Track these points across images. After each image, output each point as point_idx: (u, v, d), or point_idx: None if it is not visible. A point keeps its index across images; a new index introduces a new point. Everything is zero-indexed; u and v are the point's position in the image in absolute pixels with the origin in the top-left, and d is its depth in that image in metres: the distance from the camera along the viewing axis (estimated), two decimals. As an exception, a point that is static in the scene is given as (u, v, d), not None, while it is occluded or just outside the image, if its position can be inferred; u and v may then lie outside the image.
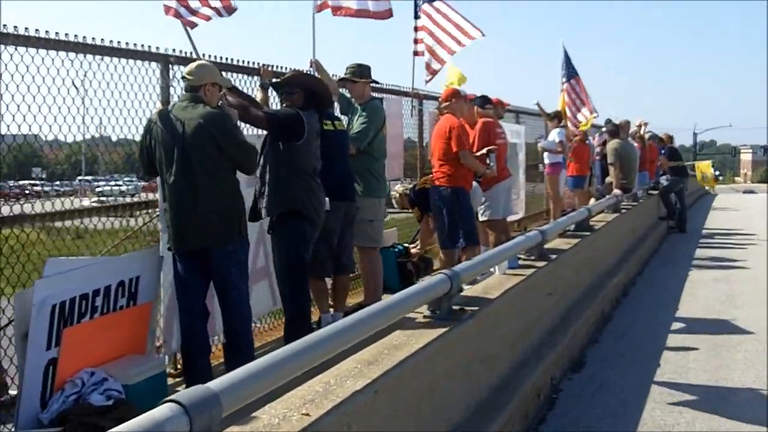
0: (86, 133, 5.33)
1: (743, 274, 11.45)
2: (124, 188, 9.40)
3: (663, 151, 17.53)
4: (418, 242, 9.47)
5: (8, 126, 4.77)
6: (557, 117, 14.74)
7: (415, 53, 9.73)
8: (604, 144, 14.77)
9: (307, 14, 7.63)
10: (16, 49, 4.59)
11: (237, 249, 4.89)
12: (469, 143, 8.21)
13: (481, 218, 9.11)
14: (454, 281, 4.64)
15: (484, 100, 9.39)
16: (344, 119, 7.29)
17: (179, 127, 4.72)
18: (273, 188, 5.51)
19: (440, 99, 8.10)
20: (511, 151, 11.65)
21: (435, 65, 9.69)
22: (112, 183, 9.56)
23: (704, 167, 18.01)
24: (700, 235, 16.91)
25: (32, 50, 4.73)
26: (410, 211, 9.39)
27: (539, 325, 6.39)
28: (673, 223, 17.24)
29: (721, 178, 73.69)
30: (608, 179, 13.02)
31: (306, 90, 5.71)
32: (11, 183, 7.25)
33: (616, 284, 9.42)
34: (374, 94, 8.63)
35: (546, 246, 7.56)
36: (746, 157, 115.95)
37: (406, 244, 9.27)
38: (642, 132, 16.47)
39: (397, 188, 9.07)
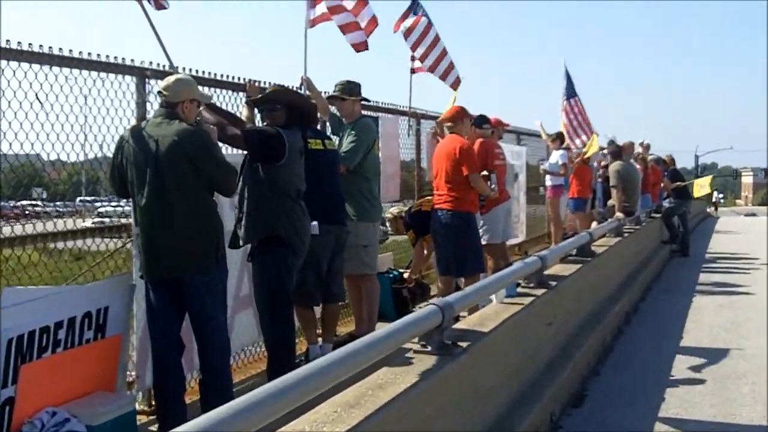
0: (89, 152, 5.09)
1: (748, 300, 11.12)
2: (127, 209, 9.15)
3: (666, 174, 17.25)
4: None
5: (10, 144, 4.61)
6: (559, 138, 14.47)
7: (412, 71, 9.45)
8: (606, 166, 14.52)
9: (300, 29, 7.32)
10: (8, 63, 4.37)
11: (214, 277, 4.56)
12: (478, 166, 7.96)
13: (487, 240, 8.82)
14: (446, 313, 4.32)
15: (481, 120, 9.09)
16: (335, 139, 7.01)
17: (152, 145, 4.42)
18: (252, 213, 5.19)
19: (444, 117, 7.77)
20: (511, 173, 11.37)
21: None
22: (113, 203, 9.29)
23: (702, 182, 17.79)
24: (704, 260, 16.60)
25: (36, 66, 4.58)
26: (404, 234, 9.08)
27: (538, 357, 6.06)
28: (676, 246, 16.94)
29: (722, 200, 73.45)
30: (610, 202, 12.73)
31: (288, 107, 5.39)
32: (11, 203, 7.02)
33: (618, 311, 9.09)
34: (368, 113, 8.37)
35: (546, 272, 7.25)
36: (747, 179, 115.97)
37: (401, 270, 8.96)
38: (645, 154, 16.21)
39: (392, 210, 8.76)
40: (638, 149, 16.26)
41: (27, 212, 7.82)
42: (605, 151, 14.52)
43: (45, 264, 5.21)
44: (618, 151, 12.92)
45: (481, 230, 8.74)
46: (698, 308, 10.53)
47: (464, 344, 4.52)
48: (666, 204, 17.59)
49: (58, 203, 7.80)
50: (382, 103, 8.81)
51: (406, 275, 8.71)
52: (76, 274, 5.35)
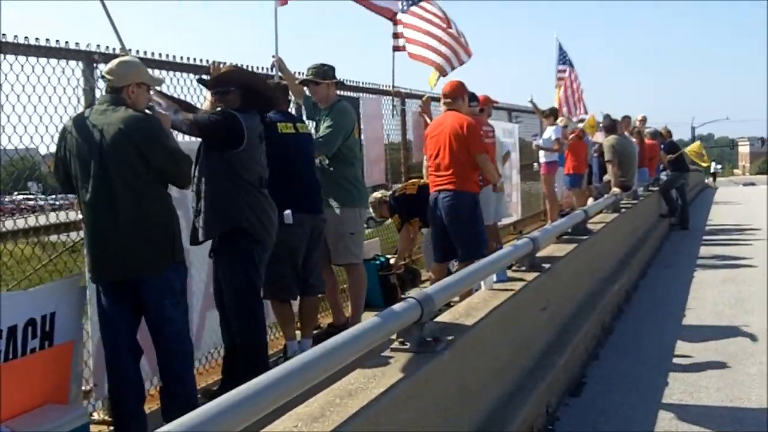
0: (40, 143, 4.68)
1: (751, 273, 10.74)
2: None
3: (662, 146, 16.83)
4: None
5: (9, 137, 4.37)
6: (552, 114, 14.08)
7: (395, 48, 9.00)
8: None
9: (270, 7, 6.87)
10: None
11: (171, 277, 4.16)
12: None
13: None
14: (426, 307, 3.94)
15: (469, 97, 8.64)
16: (311, 124, 6.62)
17: (96, 135, 4.01)
18: (211, 204, 4.77)
19: (443, 93, 7.29)
20: (501, 152, 10.96)
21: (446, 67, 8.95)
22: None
23: (694, 147, 17.30)
24: (704, 232, 16.22)
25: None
26: (388, 218, 8.64)
27: (532, 345, 5.69)
28: (674, 220, 16.56)
29: (720, 169, 73.05)
30: (606, 177, 12.32)
31: (243, 88, 4.93)
32: (6, 198, 6.69)
33: (617, 290, 8.72)
34: (347, 93, 7.96)
35: (539, 254, 6.87)
36: (744, 149, 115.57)
37: (389, 255, 8.57)
38: (641, 127, 15.80)
39: (375, 195, 8.35)
40: (635, 123, 15.88)
41: (22, 206, 7.47)
42: (600, 125, 14.13)
43: (39, 258, 5.07)
44: (612, 125, 12.49)
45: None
46: (700, 283, 10.17)
47: (449, 338, 4.15)
48: (664, 177, 17.20)
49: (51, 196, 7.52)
50: (362, 83, 8.39)
51: (393, 261, 8.32)
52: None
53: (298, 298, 5.86)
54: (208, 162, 4.78)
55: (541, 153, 13.82)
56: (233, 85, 4.90)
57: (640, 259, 11.16)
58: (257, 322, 4.88)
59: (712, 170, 51.15)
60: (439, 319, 4.60)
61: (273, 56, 6.56)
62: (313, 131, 6.40)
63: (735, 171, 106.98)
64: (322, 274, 5.98)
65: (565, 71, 16.84)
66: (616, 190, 11.54)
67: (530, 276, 6.05)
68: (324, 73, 6.37)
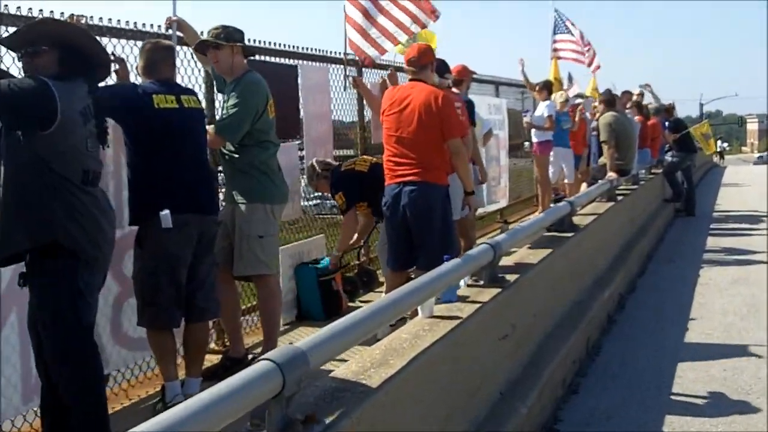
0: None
1: (765, 272, 9.36)
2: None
3: (667, 124, 15.38)
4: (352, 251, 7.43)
5: None
6: (546, 88, 12.64)
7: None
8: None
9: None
10: None
11: None
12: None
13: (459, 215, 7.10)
14: (288, 375, 2.60)
15: (442, 67, 7.19)
16: (220, 98, 5.29)
17: None
18: (14, 209, 3.43)
19: (408, 59, 5.86)
20: (483, 129, 9.57)
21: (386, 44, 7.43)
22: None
23: (702, 128, 15.70)
24: (711, 219, 14.85)
25: None
26: (328, 196, 7.17)
27: (484, 390, 4.35)
28: (680, 205, 15.18)
29: (728, 148, 71.37)
30: (601, 160, 10.91)
31: (61, 47, 3.57)
32: None
33: (608, 297, 7.38)
34: (287, 61, 6.60)
35: (506, 262, 5.54)
36: (753, 126, 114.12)
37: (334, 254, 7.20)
38: (642, 101, 14.37)
39: (311, 162, 6.88)
40: (636, 97, 14.43)
41: None
42: (599, 100, 12.73)
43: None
44: (611, 100, 11.00)
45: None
46: (707, 284, 8.82)
47: (334, 415, 2.81)
48: (668, 158, 15.79)
49: None
50: (301, 48, 6.98)
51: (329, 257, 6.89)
52: None
53: (182, 324, 4.52)
54: (10, 150, 3.40)
55: (533, 131, 12.44)
56: (45, 42, 3.51)
57: (638, 252, 9.81)
58: (87, 371, 3.51)
59: (718, 149, 49.66)
60: (338, 373, 3.27)
61: (169, 17, 5.16)
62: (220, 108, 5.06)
63: (743, 149, 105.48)
64: (215, 293, 4.61)
65: (564, 41, 15.37)
66: (611, 175, 10.14)
67: (488, 294, 4.71)
68: (228, 35, 4.97)
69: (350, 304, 6.92)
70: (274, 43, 6.54)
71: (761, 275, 9.12)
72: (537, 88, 12.45)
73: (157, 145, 4.27)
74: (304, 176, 6.88)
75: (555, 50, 15.09)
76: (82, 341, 3.48)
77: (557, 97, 13.00)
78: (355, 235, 6.97)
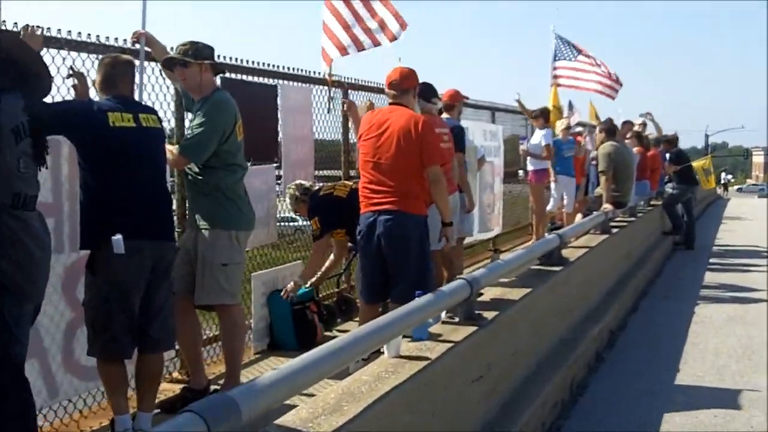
0: None
1: (761, 310, 9.04)
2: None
3: (668, 155, 15.09)
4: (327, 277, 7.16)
5: None
6: (542, 116, 12.41)
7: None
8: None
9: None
10: None
11: None
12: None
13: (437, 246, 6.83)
14: (216, 430, 2.32)
15: (428, 91, 6.93)
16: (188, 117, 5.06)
17: None
18: None
19: (390, 81, 5.61)
20: (476, 156, 9.34)
21: (332, 52, 7.24)
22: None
23: (704, 164, 15.34)
24: (711, 253, 14.56)
25: None
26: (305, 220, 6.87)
27: (453, 436, 4.07)
28: (679, 238, 14.89)
29: (732, 179, 71.16)
30: (597, 191, 10.64)
31: None
32: None
33: (597, 334, 7.10)
34: (265, 81, 6.37)
35: (486, 297, 5.28)
36: (758, 159, 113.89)
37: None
38: (641, 130, 14.11)
39: (291, 187, 6.60)
40: (637, 127, 14.18)
41: None
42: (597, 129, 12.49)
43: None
44: (612, 129, 10.73)
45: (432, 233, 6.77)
46: (702, 323, 8.52)
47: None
48: (668, 190, 15.53)
49: None
50: (282, 68, 6.75)
51: (290, 286, 6.49)
52: None
53: (135, 355, 4.25)
54: None
55: (529, 159, 12.20)
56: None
57: (633, 287, 9.52)
58: (17, 407, 3.25)
59: (722, 180, 49.52)
60: (285, 420, 2.99)
61: (136, 32, 4.94)
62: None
63: (748, 180, 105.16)
64: (170, 323, 4.34)
65: (565, 68, 15.12)
66: (607, 206, 9.87)
67: (463, 332, 4.45)
68: (196, 51, 4.73)
69: (326, 333, 6.65)
70: (254, 62, 6.31)
71: (759, 314, 8.82)
72: (533, 115, 12.23)
73: (111, 165, 4.02)
74: (282, 199, 6.62)
75: (555, 77, 14.85)
76: (9, 377, 3.20)
77: (559, 124, 12.78)
78: (327, 263, 6.71)
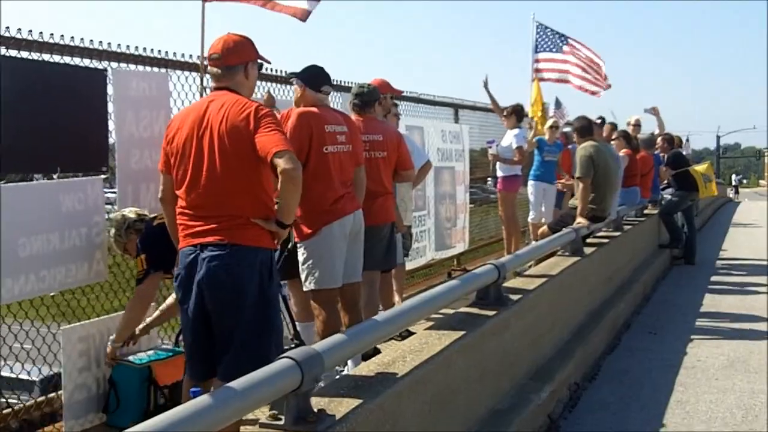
0: None
1: (771, 351, 7.31)
2: None
3: (666, 157, 13.32)
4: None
5: None
6: (515, 113, 10.74)
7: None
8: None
9: None
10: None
11: None
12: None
13: (305, 286, 5.18)
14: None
15: (314, 76, 5.22)
16: None
17: None
18: None
19: (210, 53, 3.92)
20: (421, 161, 7.68)
21: None
22: None
23: (703, 169, 13.40)
24: (713, 269, 12.79)
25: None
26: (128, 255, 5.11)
27: None
28: (678, 252, 13.13)
29: (745, 181, 69.13)
30: (572, 201, 8.88)
31: None
32: None
33: (551, 395, 5.40)
34: (92, 64, 4.73)
35: (381, 358, 3.64)
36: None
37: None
38: (634, 132, 12.39)
39: (122, 213, 4.89)
40: (630, 128, 12.45)
41: None
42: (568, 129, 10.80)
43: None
44: (587, 127, 8.93)
45: (304, 267, 5.13)
46: (694, 369, 6.79)
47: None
48: (666, 196, 13.78)
49: None
50: (118, 46, 5.04)
51: (110, 345, 4.84)
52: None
53: None
54: None
55: (498, 165, 10.53)
56: None
57: (610, 323, 7.79)
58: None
59: (733, 182, 47.59)
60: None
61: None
62: None
63: (761, 182, 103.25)
64: None
65: (548, 60, 13.43)
66: (581, 221, 8.13)
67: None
68: None
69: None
70: (70, 38, 4.62)
71: (764, 357, 7.08)
72: (505, 113, 10.56)
73: None
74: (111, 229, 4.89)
75: (537, 70, 13.18)
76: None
77: (547, 123, 11.17)
78: (154, 315, 5.01)
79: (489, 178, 12.00)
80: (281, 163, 3.51)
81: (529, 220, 11.04)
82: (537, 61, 13.23)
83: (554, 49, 13.49)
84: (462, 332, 4.40)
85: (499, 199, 10.65)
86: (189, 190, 3.71)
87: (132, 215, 4.80)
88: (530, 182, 10.90)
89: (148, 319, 4.89)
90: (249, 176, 3.66)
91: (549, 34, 13.54)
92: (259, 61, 3.98)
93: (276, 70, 6.73)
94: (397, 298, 7.71)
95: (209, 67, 3.94)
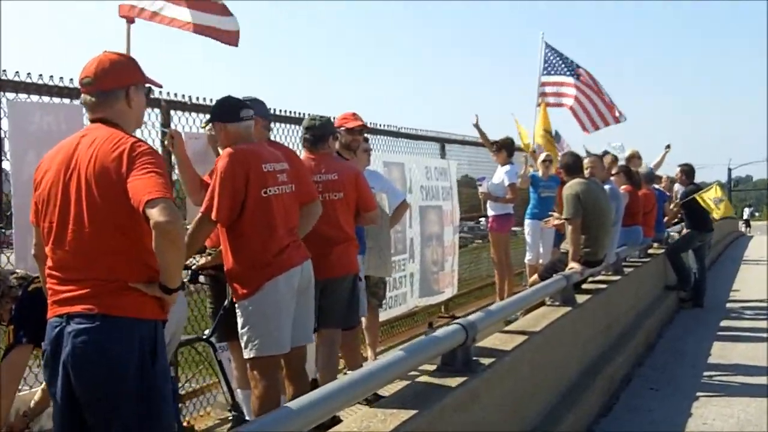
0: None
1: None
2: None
3: (683, 193, 12.33)
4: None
5: None
6: (505, 148, 10.11)
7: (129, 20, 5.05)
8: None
9: None
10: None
11: None
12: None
13: (246, 353, 4.48)
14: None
15: (232, 107, 4.60)
16: None
17: None
18: None
19: (81, 77, 3.27)
20: (396, 201, 7.04)
21: None
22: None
23: (710, 194, 12.31)
24: (723, 312, 11.97)
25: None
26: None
27: None
28: (686, 294, 12.32)
29: (757, 214, 67.94)
30: (563, 245, 8.15)
31: None
32: None
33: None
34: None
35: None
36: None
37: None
38: (636, 165, 11.68)
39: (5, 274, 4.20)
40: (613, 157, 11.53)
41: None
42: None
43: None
44: (575, 164, 8.19)
45: (242, 333, 4.46)
46: (698, 436, 6.02)
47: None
48: (674, 234, 13.03)
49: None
50: (16, 75, 4.42)
51: None
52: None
53: None
54: None
55: (489, 203, 9.87)
56: None
57: (606, 380, 7.01)
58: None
59: (745, 216, 46.62)
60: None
61: None
62: None
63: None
64: None
65: (555, 84, 12.56)
66: (574, 266, 7.40)
67: None
68: None
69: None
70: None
71: (779, 420, 6.30)
72: (494, 148, 9.91)
73: None
74: None
75: (543, 94, 12.21)
76: None
77: (540, 158, 10.49)
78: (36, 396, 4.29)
79: (481, 218, 11.29)
80: (153, 215, 2.83)
81: (526, 261, 10.35)
82: (542, 84, 12.34)
83: (566, 73, 12.61)
84: (414, 411, 3.68)
85: (490, 240, 9.95)
86: (55, 247, 3.05)
87: (13, 280, 4.09)
88: (526, 221, 10.24)
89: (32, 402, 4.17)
90: (124, 230, 2.99)
91: (558, 57, 12.69)
92: (147, 84, 3.31)
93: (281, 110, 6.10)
94: (370, 352, 7.03)
95: (82, 95, 3.26)
